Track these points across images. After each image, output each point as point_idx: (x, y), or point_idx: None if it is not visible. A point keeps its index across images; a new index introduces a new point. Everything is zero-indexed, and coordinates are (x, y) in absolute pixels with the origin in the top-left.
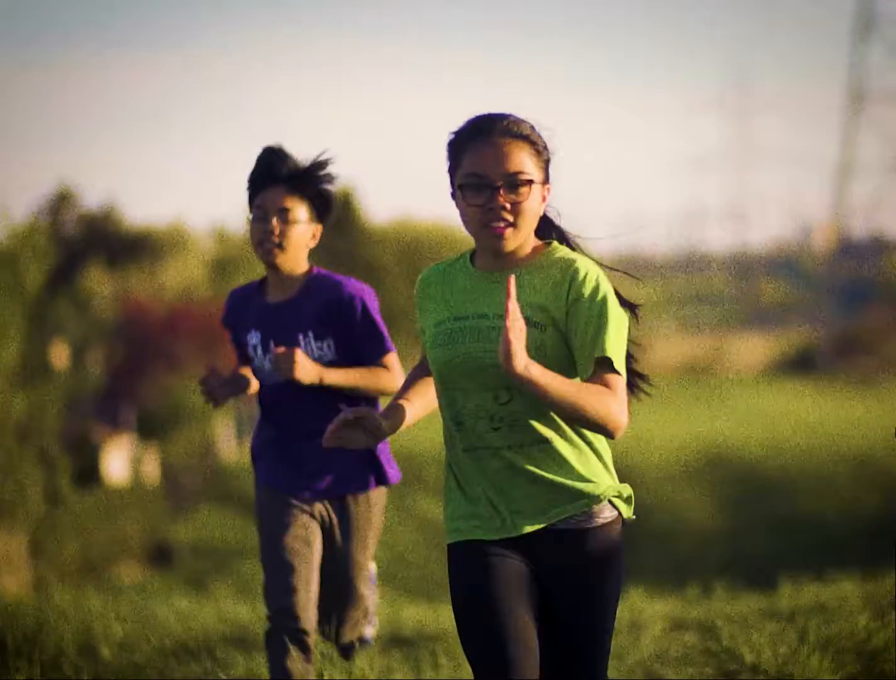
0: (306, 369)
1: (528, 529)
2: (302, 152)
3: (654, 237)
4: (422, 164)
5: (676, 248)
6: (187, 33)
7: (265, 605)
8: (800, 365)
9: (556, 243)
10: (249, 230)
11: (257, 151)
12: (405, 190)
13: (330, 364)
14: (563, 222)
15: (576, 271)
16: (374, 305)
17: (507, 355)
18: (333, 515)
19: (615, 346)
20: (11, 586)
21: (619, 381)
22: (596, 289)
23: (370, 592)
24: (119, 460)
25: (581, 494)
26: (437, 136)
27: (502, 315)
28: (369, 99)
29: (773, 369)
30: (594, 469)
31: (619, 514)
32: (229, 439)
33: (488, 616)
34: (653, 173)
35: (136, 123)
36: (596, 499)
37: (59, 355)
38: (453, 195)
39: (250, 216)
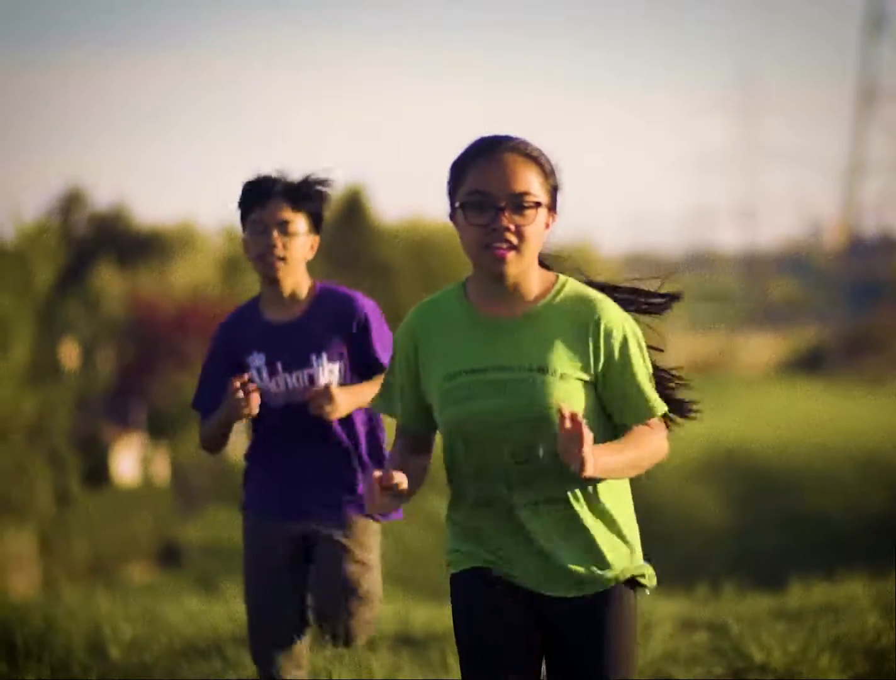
0: (346, 405)
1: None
2: (300, 157)
3: (663, 237)
4: (426, 164)
5: (685, 248)
6: (187, 33)
7: (249, 652)
8: (809, 364)
9: (562, 277)
10: (247, 245)
11: (257, 152)
12: (409, 190)
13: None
14: (569, 224)
15: (598, 321)
16: (382, 321)
17: (582, 464)
18: (331, 524)
19: (653, 397)
20: (21, 586)
21: (658, 419)
22: (623, 341)
23: (378, 591)
24: (129, 460)
25: (593, 578)
26: (438, 136)
27: (526, 366)
28: (369, 99)
29: (783, 368)
30: (612, 541)
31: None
32: (239, 438)
33: (489, 660)
34: (657, 173)
35: (136, 123)
36: (608, 582)
37: (69, 355)
38: (451, 216)
39: (245, 233)
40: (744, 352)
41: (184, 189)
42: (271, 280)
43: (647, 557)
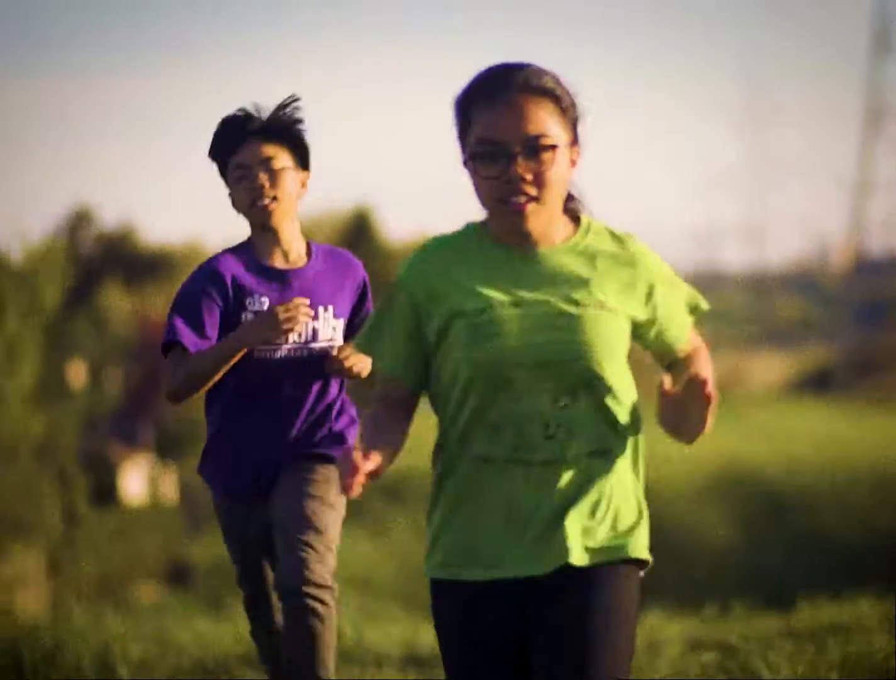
0: (365, 361)
1: (547, 567)
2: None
3: (670, 255)
4: (433, 177)
5: (693, 266)
6: (193, 50)
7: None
8: (817, 383)
9: (584, 216)
10: (234, 196)
11: None
12: (417, 206)
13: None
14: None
15: (641, 259)
16: None
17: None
18: (295, 464)
19: (691, 293)
20: (29, 605)
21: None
22: (664, 272)
23: (336, 536)
24: (137, 479)
25: (614, 546)
26: (447, 148)
27: (568, 298)
28: (375, 111)
29: (791, 388)
30: (639, 504)
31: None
32: None
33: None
34: (666, 189)
35: (144, 134)
36: (626, 552)
37: (77, 374)
38: (465, 163)
39: (228, 185)
40: (752, 372)
41: (191, 200)
42: (266, 226)
43: (655, 576)
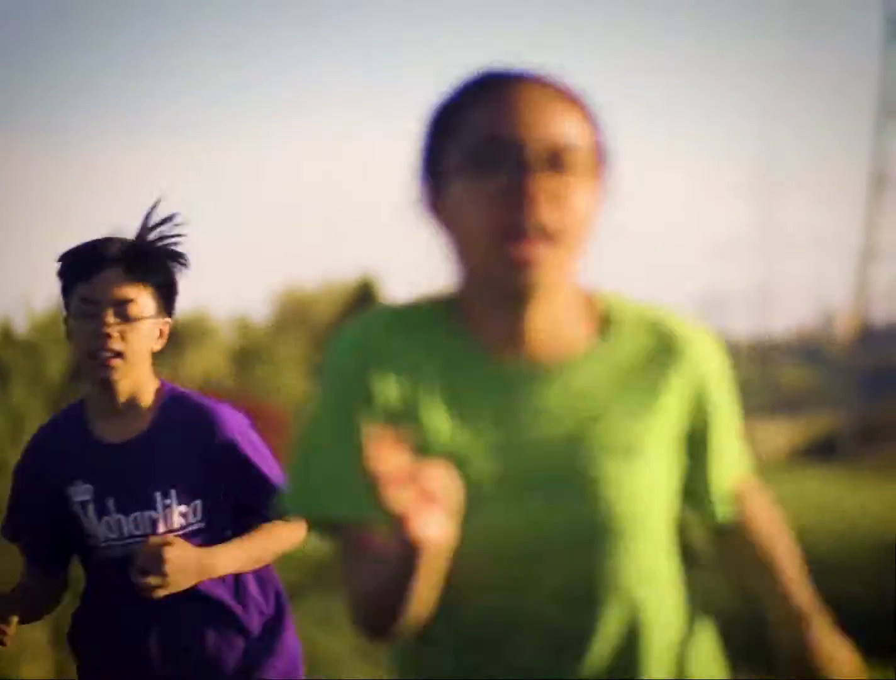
0: (187, 573)
1: None
2: (312, 244)
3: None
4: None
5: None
6: (203, 117)
7: None
8: (822, 451)
9: (601, 292)
10: (72, 335)
11: (269, 234)
12: (423, 274)
13: (196, 533)
14: None
15: (686, 353)
16: (255, 440)
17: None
18: None
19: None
20: (33, 675)
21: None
22: (718, 384)
23: None
24: None
25: None
26: None
27: (581, 443)
28: (378, 176)
29: (796, 456)
30: None
31: None
32: None
33: None
34: (672, 255)
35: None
36: None
37: None
38: (430, 191)
39: (69, 315)
40: (757, 440)
41: (196, 269)
42: (106, 384)
43: None
